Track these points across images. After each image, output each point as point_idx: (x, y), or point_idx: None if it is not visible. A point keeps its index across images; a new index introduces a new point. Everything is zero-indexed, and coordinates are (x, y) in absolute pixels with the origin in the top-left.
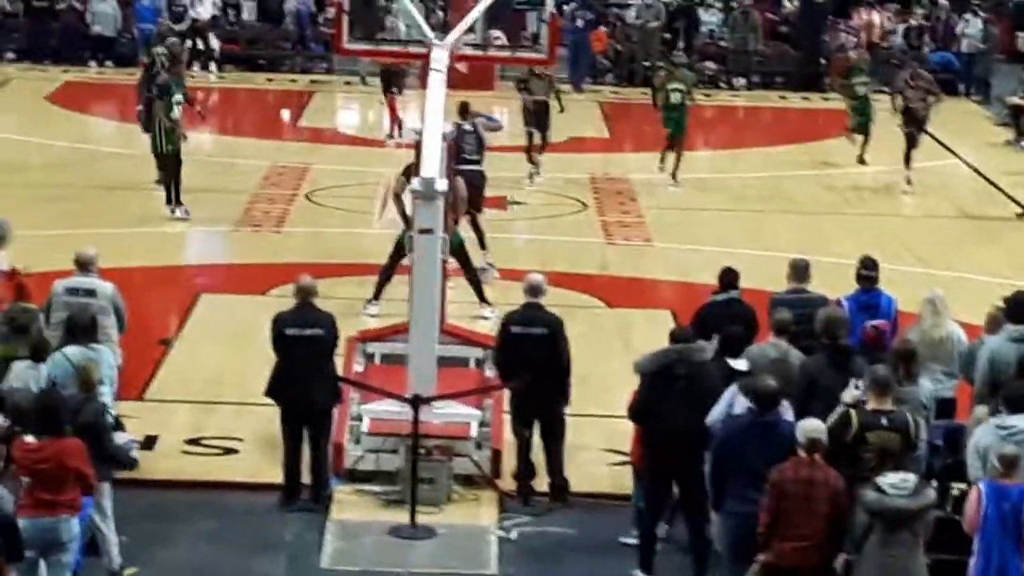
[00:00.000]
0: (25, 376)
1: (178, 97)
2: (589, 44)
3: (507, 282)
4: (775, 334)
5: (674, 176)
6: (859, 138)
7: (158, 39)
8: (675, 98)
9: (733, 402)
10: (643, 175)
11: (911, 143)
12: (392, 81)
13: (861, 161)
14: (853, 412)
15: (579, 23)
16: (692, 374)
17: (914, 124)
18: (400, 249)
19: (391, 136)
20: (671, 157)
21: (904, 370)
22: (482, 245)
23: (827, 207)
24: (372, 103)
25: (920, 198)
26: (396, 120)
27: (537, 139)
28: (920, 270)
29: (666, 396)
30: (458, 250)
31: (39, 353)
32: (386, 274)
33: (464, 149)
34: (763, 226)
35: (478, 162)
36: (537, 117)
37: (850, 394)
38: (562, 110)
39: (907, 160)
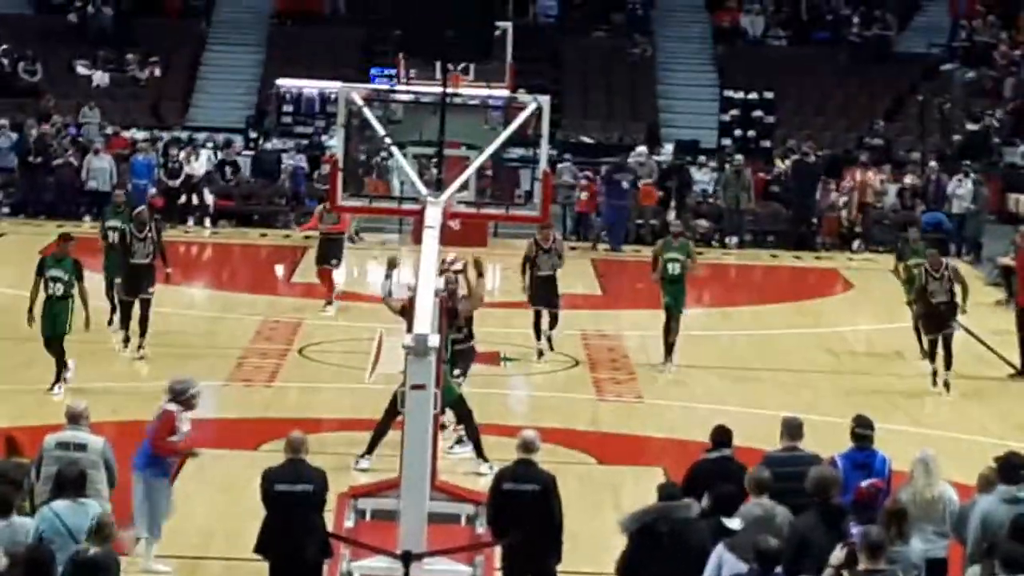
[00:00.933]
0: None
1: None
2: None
3: (499, 438)
4: (755, 494)
5: (670, 353)
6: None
7: (112, 213)
8: (672, 269)
9: (721, 563)
10: (635, 332)
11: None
12: (330, 251)
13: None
14: (845, 574)
15: (624, 184)
16: (676, 531)
17: (935, 326)
18: (395, 404)
19: (325, 310)
20: (671, 331)
21: (896, 529)
22: None
23: (819, 366)
24: (365, 259)
25: (913, 358)
26: (331, 292)
27: (546, 318)
28: (912, 429)
29: (652, 555)
30: (456, 403)
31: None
32: (381, 429)
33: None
34: (755, 384)
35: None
36: (547, 294)
37: (836, 556)
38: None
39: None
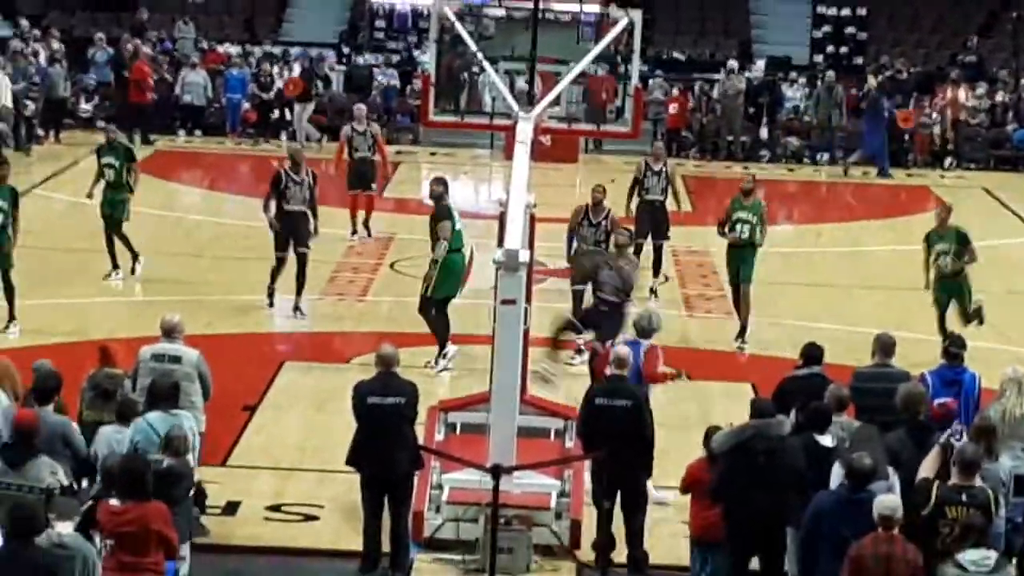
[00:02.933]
0: (111, 440)
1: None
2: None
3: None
4: (835, 411)
5: (743, 332)
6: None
7: (107, 149)
8: (741, 231)
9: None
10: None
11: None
12: (367, 175)
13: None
14: (934, 487)
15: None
16: (771, 450)
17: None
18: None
19: (355, 233)
20: (742, 307)
21: (984, 446)
22: None
23: (910, 283)
24: (458, 173)
25: (1004, 275)
26: (369, 218)
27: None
28: (1001, 347)
29: (745, 473)
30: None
31: (125, 417)
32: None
33: None
34: (845, 301)
35: None
36: (653, 221)
37: (928, 466)
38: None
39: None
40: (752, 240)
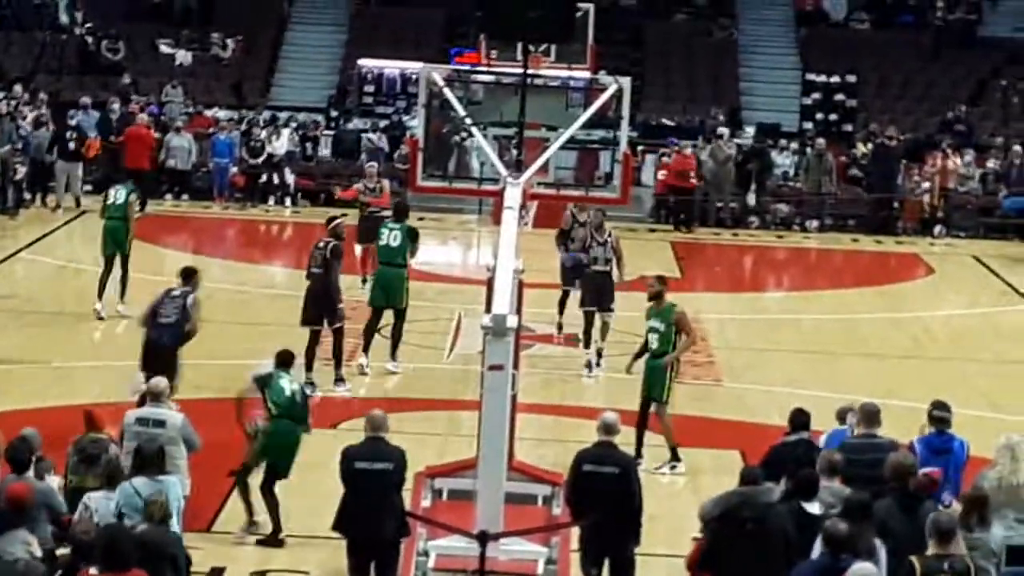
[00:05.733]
0: (102, 506)
1: None
2: None
3: (578, 420)
4: (826, 477)
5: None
6: None
7: None
8: (651, 340)
9: None
10: (713, 315)
11: None
12: (372, 227)
13: None
14: (915, 559)
15: None
16: (759, 517)
17: None
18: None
19: (365, 281)
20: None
21: (976, 516)
22: None
23: (900, 351)
24: (446, 239)
25: (994, 343)
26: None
27: (598, 321)
28: (991, 415)
29: (733, 541)
30: None
31: (113, 481)
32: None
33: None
34: (835, 368)
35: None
36: (599, 291)
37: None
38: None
39: None
40: (662, 351)
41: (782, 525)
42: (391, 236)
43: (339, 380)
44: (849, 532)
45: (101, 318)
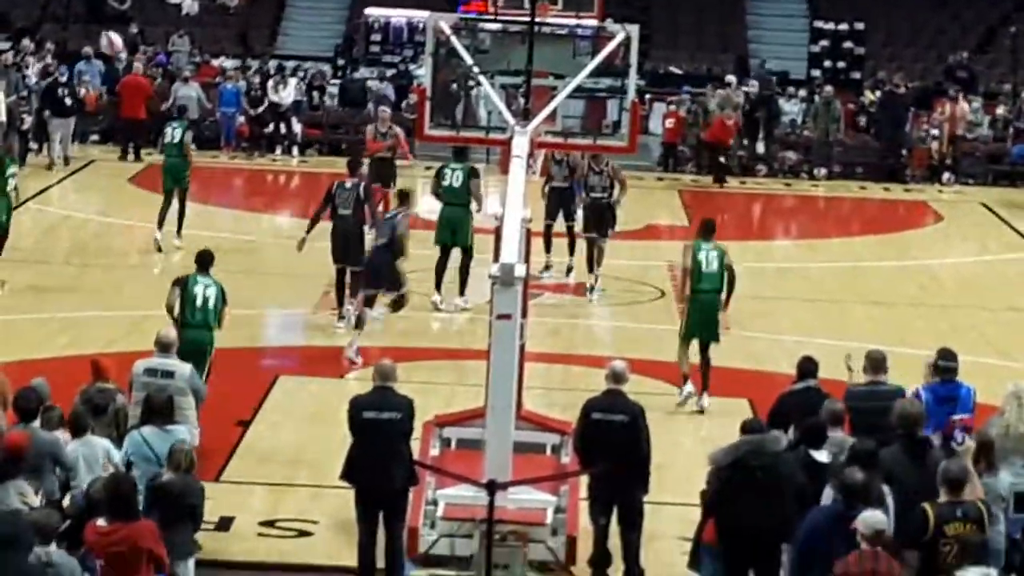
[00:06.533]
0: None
1: (12, 170)
2: None
3: (587, 368)
4: (829, 426)
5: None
6: None
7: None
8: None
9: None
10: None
11: None
12: (387, 172)
13: None
14: (928, 507)
15: None
16: (767, 465)
17: None
18: None
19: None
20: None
21: (984, 462)
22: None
23: (908, 299)
24: None
25: (1002, 290)
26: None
27: (596, 248)
28: (1000, 363)
29: (742, 489)
30: None
31: (78, 430)
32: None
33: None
34: (842, 316)
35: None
36: (598, 219)
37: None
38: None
39: None
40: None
41: (791, 473)
42: (453, 176)
43: (348, 317)
44: (864, 481)
45: (160, 249)
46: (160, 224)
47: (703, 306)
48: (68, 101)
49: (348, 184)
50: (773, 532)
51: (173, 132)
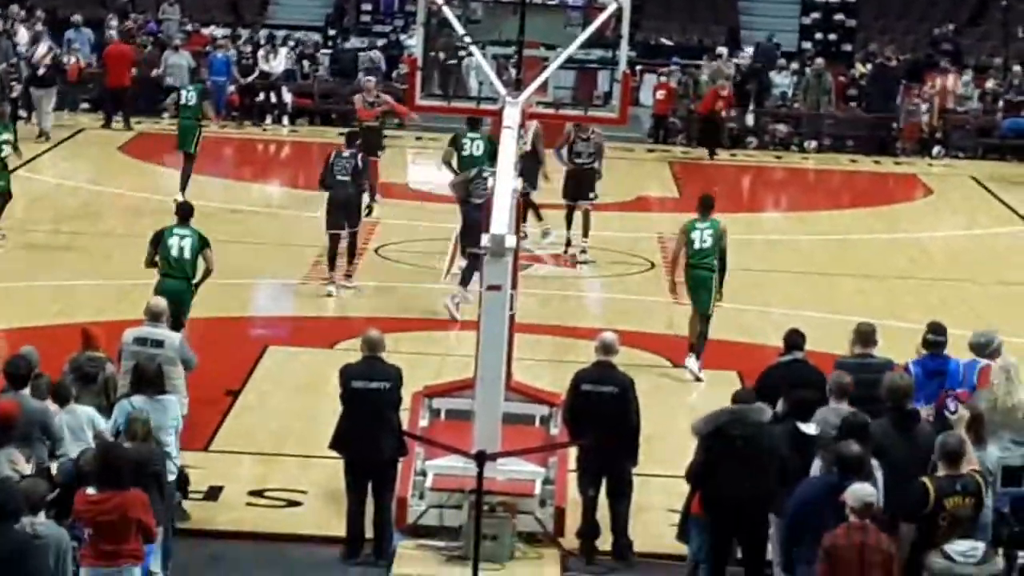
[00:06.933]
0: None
1: (6, 136)
2: None
3: (576, 340)
4: (835, 398)
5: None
6: None
7: (1, 127)
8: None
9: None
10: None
11: None
12: (375, 144)
13: None
14: (928, 480)
15: None
16: (749, 435)
17: None
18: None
19: (370, 211)
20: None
21: (972, 435)
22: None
23: (897, 272)
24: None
25: (991, 264)
26: (375, 188)
27: (579, 212)
28: None
29: (723, 457)
30: None
31: (62, 399)
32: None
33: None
34: (832, 289)
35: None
36: (579, 184)
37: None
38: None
39: None
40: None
41: (773, 444)
42: (473, 146)
43: (348, 276)
44: (860, 454)
45: None
46: (183, 187)
47: (695, 281)
48: (41, 72)
49: (346, 153)
50: (756, 502)
51: (187, 95)
